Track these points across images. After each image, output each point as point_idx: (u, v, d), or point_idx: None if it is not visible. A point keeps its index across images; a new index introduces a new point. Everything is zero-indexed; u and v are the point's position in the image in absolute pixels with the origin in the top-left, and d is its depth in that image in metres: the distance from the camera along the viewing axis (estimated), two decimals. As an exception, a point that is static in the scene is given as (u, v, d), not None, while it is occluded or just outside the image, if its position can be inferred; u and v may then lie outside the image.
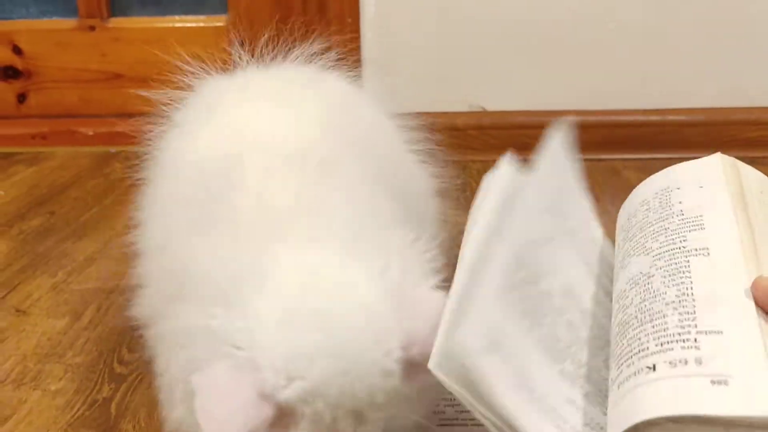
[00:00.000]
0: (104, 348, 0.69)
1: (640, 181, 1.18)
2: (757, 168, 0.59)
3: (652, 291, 0.45)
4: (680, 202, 0.54)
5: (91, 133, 1.43)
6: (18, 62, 1.46)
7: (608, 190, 1.15)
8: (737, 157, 0.65)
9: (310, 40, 0.75)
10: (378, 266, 0.46)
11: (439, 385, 0.41)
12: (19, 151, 1.39)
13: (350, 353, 0.42)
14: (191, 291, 0.47)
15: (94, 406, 0.61)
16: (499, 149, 1.30)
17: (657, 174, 0.62)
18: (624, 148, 1.30)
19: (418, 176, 0.73)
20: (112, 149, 1.37)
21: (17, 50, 1.46)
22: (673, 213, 0.53)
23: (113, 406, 0.61)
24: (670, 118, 1.29)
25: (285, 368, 0.41)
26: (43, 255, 0.91)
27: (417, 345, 0.43)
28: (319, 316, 0.43)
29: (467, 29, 1.28)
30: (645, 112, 1.30)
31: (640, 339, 0.42)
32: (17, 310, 0.77)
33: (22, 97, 1.47)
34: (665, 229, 0.51)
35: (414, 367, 0.43)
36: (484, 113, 1.31)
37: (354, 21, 1.27)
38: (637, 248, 0.51)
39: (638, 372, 0.39)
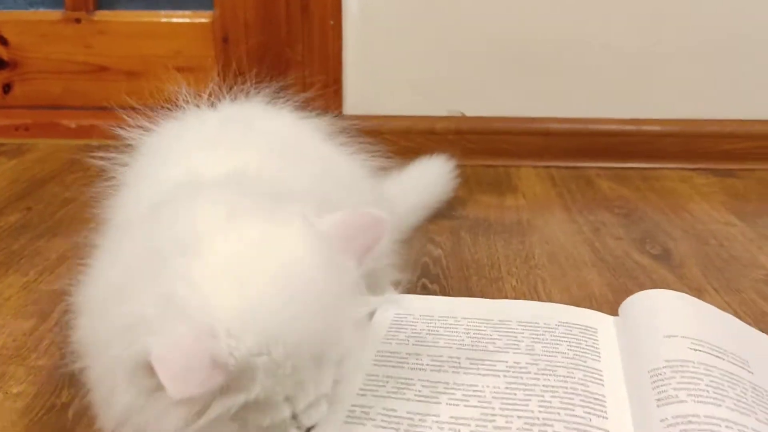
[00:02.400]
0: (67, 351, 0.71)
1: (612, 191, 1.22)
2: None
3: None
4: None
5: (73, 125, 1.45)
6: (4, 53, 1.47)
7: (579, 198, 1.17)
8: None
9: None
10: (298, 217, 0.49)
11: None
12: (2, 143, 1.40)
13: (302, 296, 0.45)
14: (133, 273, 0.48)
15: (52, 411, 0.63)
16: (478, 154, 1.33)
17: None
18: (599, 156, 1.31)
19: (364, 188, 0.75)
20: (94, 142, 1.38)
21: (3, 41, 1.47)
22: None
23: (71, 411, 0.62)
24: (645, 128, 1.31)
25: (239, 326, 0.43)
26: (17, 253, 0.93)
27: (365, 262, 0.48)
28: (264, 273, 0.45)
29: (450, 36, 1.30)
30: (621, 121, 1.31)
31: None
32: (-13, 310, 0.79)
33: (7, 88, 1.48)
34: None
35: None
36: (463, 118, 1.32)
37: (336, 23, 1.28)
38: None
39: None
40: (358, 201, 0.70)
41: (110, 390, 0.48)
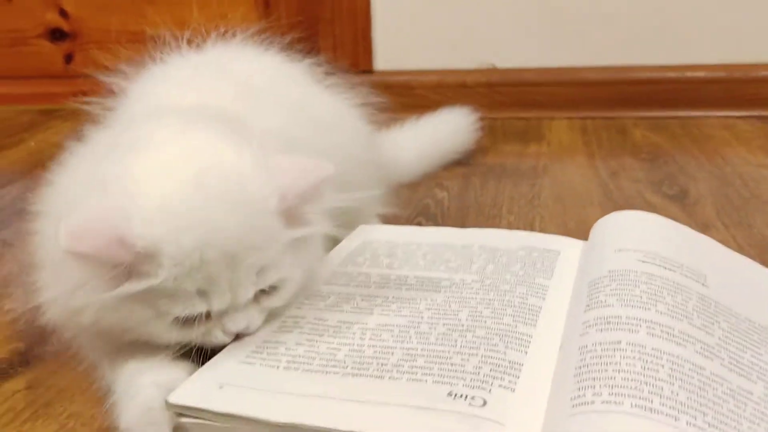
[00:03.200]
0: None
1: (645, 138, 1.16)
2: None
3: None
4: None
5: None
6: (65, 24, 1.56)
7: (606, 146, 1.13)
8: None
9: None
10: (246, 144, 0.52)
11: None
12: (59, 108, 1.49)
13: (221, 196, 0.48)
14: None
15: (36, 323, 0.67)
16: (508, 106, 1.30)
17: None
18: (638, 105, 1.27)
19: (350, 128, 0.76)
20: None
21: (64, 13, 1.56)
22: None
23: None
24: (689, 74, 1.25)
25: (152, 214, 0.47)
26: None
27: (291, 196, 0.50)
28: (192, 172, 0.49)
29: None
30: (661, 68, 1.26)
31: None
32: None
33: (68, 58, 1.57)
34: None
35: (290, 217, 0.51)
36: (494, 70, 1.30)
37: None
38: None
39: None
40: (337, 143, 0.71)
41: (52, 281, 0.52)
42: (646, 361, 0.43)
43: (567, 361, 0.47)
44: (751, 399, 0.43)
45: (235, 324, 0.51)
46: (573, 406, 0.41)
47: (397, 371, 0.48)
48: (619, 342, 0.46)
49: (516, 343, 0.50)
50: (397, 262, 0.65)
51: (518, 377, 0.46)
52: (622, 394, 0.41)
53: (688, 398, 0.41)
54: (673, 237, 0.62)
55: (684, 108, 1.25)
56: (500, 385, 0.45)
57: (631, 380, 0.42)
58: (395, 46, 1.32)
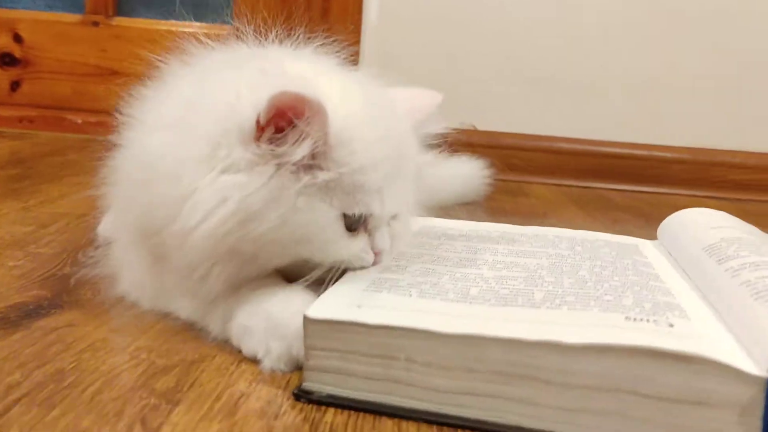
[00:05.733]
0: (69, 246, 0.66)
1: (625, 201, 1.17)
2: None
3: None
4: None
5: (79, 121, 1.43)
6: (17, 50, 1.47)
7: (593, 204, 1.15)
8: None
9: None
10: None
11: None
12: (4, 131, 1.38)
13: (387, 106, 0.50)
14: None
15: (52, 278, 0.57)
16: (488, 167, 1.30)
17: None
18: (610, 177, 1.30)
19: None
20: (100, 137, 1.36)
21: (18, 38, 1.47)
22: None
23: (72, 280, 0.57)
24: (656, 153, 1.31)
25: (339, 106, 0.45)
26: (17, 191, 0.88)
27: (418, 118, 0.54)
28: (353, 84, 0.49)
29: (466, 49, 1.31)
30: (631, 145, 1.31)
31: None
32: (-18, 220, 0.74)
33: (15, 85, 1.47)
34: None
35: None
36: (475, 132, 1.32)
37: (356, 28, 1.29)
38: None
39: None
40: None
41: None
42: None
43: (733, 296, 0.44)
44: None
45: (383, 240, 0.49)
46: None
47: (551, 304, 0.43)
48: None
49: (659, 292, 0.47)
50: (475, 240, 0.61)
51: (686, 311, 0.43)
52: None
53: None
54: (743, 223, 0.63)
55: (652, 184, 1.30)
56: (675, 316, 0.42)
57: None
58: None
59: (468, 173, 1.05)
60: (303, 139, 0.42)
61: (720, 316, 0.44)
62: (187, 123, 0.45)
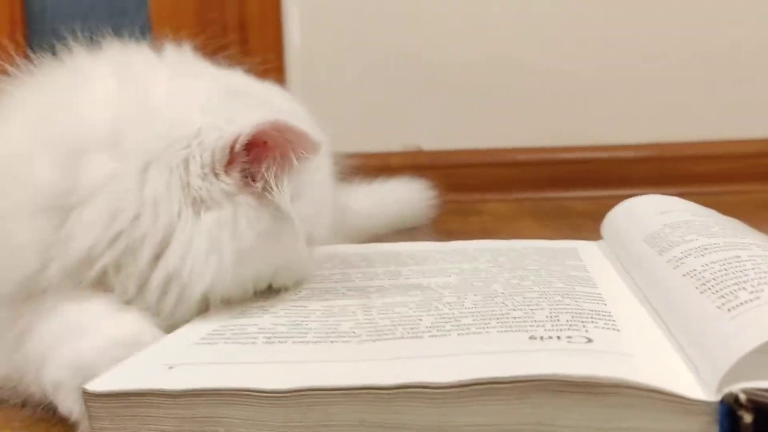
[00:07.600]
0: None
1: (587, 208, 1.06)
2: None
3: None
4: None
5: None
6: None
7: (551, 214, 1.05)
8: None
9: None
10: None
11: None
12: None
13: None
14: None
15: None
16: (439, 189, 1.20)
17: None
18: (571, 185, 1.21)
19: None
20: None
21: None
22: None
23: None
24: (618, 154, 1.21)
25: None
26: None
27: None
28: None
29: (400, 68, 1.22)
30: (591, 148, 1.22)
31: None
32: None
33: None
34: None
35: None
36: (420, 153, 1.22)
37: (278, 56, 1.21)
38: None
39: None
40: None
41: None
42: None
43: (675, 291, 0.34)
44: None
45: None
46: (728, 310, 0.28)
47: (438, 330, 0.33)
48: (739, 257, 0.34)
49: (587, 299, 0.37)
50: (378, 264, 0.50)
51: (615, 321, 0.32)
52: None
53: None
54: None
55: (617, 187, 1.20)
56: (597, 327, 0.31)
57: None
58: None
59: (406, 196, 0.96)
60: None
61: (661, 322, 0.33)
62: None
